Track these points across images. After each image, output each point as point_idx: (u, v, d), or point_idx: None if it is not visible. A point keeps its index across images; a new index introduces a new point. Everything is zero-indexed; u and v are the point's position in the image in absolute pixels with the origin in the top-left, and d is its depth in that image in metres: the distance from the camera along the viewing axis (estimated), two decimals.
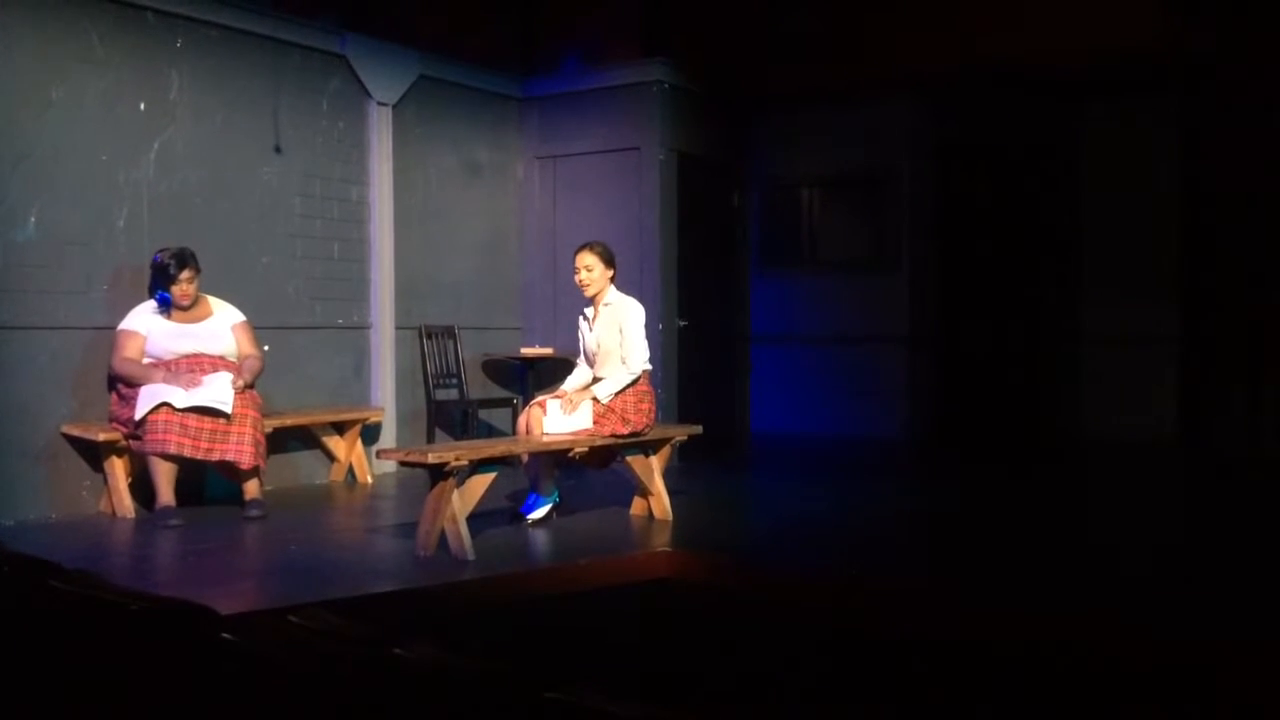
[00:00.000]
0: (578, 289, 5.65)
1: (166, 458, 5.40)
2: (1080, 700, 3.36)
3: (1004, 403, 9.22)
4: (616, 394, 5.42)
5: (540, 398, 5.55)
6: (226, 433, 5.47)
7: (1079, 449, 8.90)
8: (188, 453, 5.40)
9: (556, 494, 5.60)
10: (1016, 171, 9.40)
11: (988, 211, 9.42)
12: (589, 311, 5.64)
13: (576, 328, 5.80)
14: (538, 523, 5.46)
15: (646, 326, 5.60)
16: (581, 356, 5.74)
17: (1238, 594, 4.24)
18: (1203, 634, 3.62)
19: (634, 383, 5.47)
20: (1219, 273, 7.84)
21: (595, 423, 5.37)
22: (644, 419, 5.48)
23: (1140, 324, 8.91)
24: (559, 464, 5.54)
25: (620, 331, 5.48)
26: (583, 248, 5.58)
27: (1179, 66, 7.87)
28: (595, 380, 5.59)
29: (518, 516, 5.51)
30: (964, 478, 7.54)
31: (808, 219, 9.85)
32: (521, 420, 5.54)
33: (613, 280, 5.60)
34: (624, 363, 5.47)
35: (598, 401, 5.38)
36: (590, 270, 5.50)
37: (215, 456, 5.49)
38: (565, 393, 5.55)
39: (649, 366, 5.58)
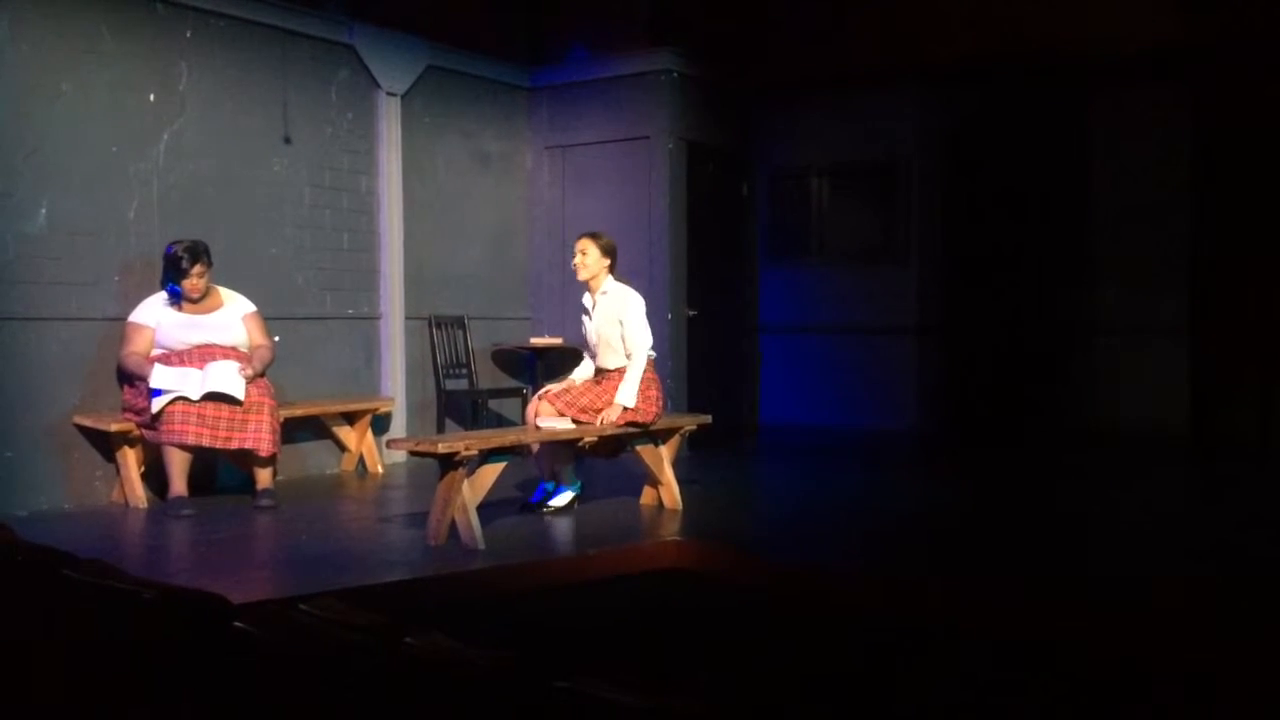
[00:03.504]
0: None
1: (185, 448, 5.44)
2: (1082, 696, 3.36)
3: (1013, 394, 9.19)
4: (638, 388, 5.40)
5: (548, 388, 5.56)
6: (245, 421, 5.50)
7: (1088, 441, 8.87)
8: (206, 442, 5.44)
9: (579, 484, 5.61)
10: (1025, 161, 9.36)
11: (996, 201, 9.38)
12: (587, 301, 5.64)
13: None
14: (558, 511, 5.47)
15: (654, 316, 5.59)
16: (586, 349, 5.74)
17: (1239, 590, 4.23)
18: (1204, 631, 3.61)
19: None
20: (1229, 264, 7.80)
21: (584, 411, 5.37)
22: (652, 407, 5.48)
23: (1150, 315, 8.87)
24: (576, 454, 5.55)
25: (620, 323, 5.47)
26: (585, 234, 5.58)
27: (1189, 55, 7.82)
28: (598, 371, 5.59)
29: (527, 506, 5.53)
30: (972, 469, 7.53)
31: (817, 209, 9.82)
32: (530, 410, 5.54)
33: (611, 271, 5.59)
34: (629, 356, 5.46)
35: (629, 410, 5.36)
36: (585, 254, 5.48)
37: (234, 445, 5.52)
38: (572, 382, 5.56)
39: (653, 353, 5.57)
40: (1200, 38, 7.48)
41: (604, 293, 5.53)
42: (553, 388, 5.53)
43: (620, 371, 5.47)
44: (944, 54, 8.15)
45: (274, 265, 6.66)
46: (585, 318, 5.65)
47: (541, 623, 3.99)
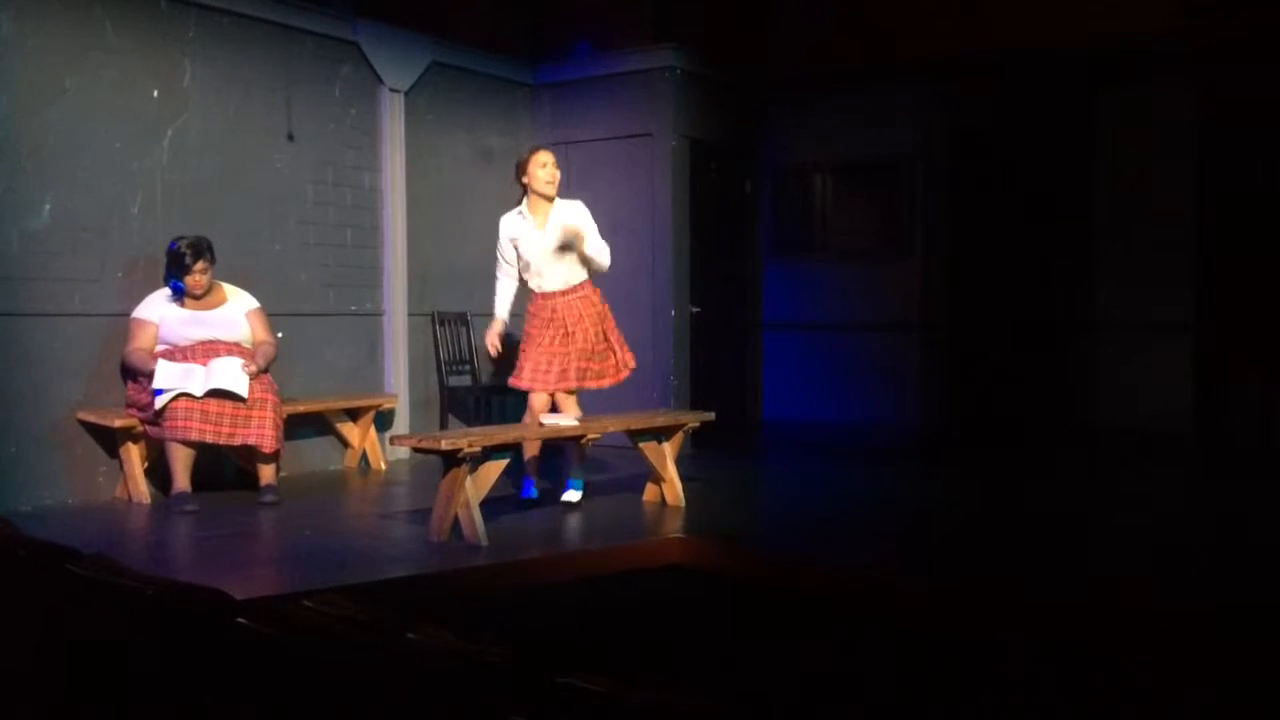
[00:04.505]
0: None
1: (188, 444, 5.44)
2: (1083, 694, 3.36)
3: (1016, 391, 9.19)
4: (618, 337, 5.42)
5: (527, 380, 5.49)
6: (248, 417, 5.50)
7: (1092, 438, 8.86)
8: (210, 438, 5.45)
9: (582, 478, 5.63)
10: (1030, 158, 9.35)
11: (1001, 198, 9.37)
12: (526, 222, 5.50)
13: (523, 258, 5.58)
14: (573, 507, 5.48)
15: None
16: (505, 270, 5.63)
17: (1241, 587, 4.23)
18: (1204, 632, 3.61)
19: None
20: (1232, 262, 7.79)
21: (583, 372, 5.38)
22: (606, 322, 5.50)
23: (1154, 312, 8.86)
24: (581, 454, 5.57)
25: (581, 234, 5.39)
26: (542, 147, 5.53)
27: (1193, 53, 7.81)
28: (540, 294, 5.54)
29: (524, 502, 5.55)
30: (975, 467, 7.52)
31: (820, 205, 9.81)
32: (536, 402, 5.51)
33: None
34: (592, 260, 5.41)
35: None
36: (559, 169, 5.45)
37: (238, 441, 5.53)
38: (502, 319, 5.60)
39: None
40: (1204, 35, 7.47)
41: (557, 208, 5.46)
42: (530, 370, 5.45)
43: (584, 285, 5.48)
44: (948, 51, 8.13)
45: (277, 262, 6.67)
46: (526, 237, 5.50)
47: (544, 619, 3.99)
